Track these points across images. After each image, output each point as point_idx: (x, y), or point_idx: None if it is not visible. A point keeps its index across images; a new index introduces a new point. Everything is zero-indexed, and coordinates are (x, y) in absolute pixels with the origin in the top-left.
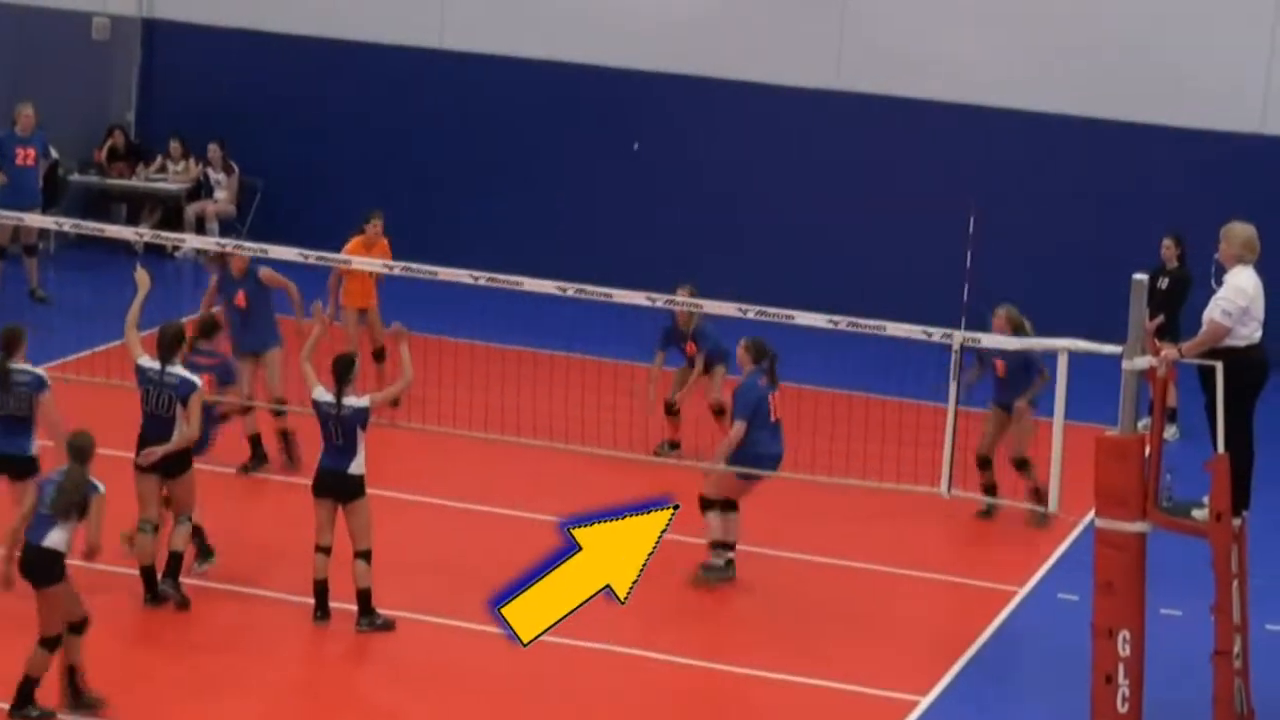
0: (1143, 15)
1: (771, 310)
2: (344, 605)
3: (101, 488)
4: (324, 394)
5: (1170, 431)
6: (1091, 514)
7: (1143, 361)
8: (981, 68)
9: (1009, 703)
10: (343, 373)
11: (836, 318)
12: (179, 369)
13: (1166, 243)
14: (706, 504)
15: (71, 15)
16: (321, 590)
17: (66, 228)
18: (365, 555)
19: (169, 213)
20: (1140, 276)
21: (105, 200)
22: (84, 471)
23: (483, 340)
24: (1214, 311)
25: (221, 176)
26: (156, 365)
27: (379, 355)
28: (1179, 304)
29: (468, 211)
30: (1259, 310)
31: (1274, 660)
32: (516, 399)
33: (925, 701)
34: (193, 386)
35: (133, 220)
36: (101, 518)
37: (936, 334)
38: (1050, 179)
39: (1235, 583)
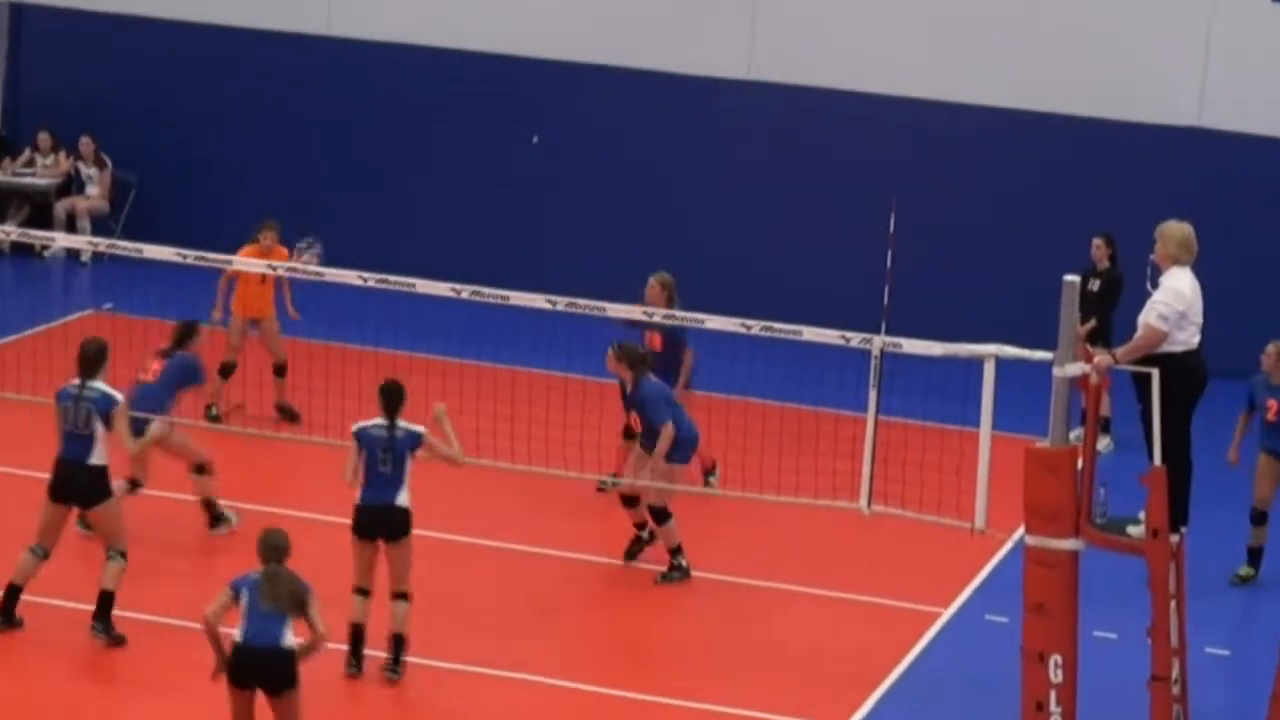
0: (1072, 1)
1: (680, 314)
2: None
3: (312, 589)
4: (371, 421)
5: (1104, 443)
6: (1021, 531)
7: (1075, 368)
8: (899, 56)
9: None
10: (393, 401)
11: (749, 322)
12: (99, 384)
13: (1097, 242)
14: (661, 514)
15: None
16: (357, 637)
17: None
18: (404, 596)
19: (37, 210)
20: (1072, 278)
21: None
22: (287, 570)
23: (374, 346)
24: (1150, 315)
25: (94, 171)
26: (75, 383)
27: (279, 370)
28: (1111, 307)
29: (357, 208)
30: (1197, 314)
31: (1214, 685)
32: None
33: None
34: (113, 401)
35: None
36: (320, 611)
37: (855, 339)
38: (975, 174)
39: (1173, 604)
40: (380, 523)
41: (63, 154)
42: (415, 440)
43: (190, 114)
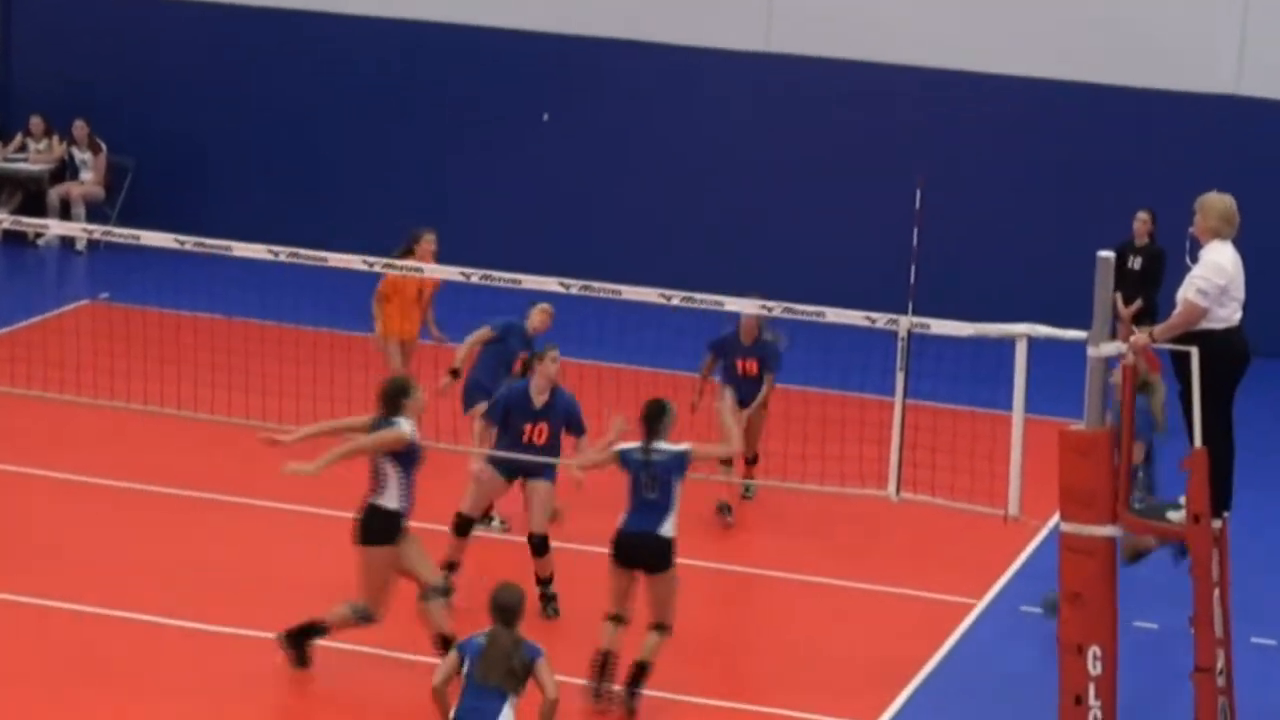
0: None
1: (698, 296)
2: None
3: (542, 651)
4: (632, 444)
5: None
6: (1056, 517)
7: (1110, 348)
8: (924, 26)
9: None
10: (654, 420)
11: (770, 303)
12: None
13: (1142, 216)
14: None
15: None
16: (604, 665)
17: None
18: (662, 628)
19: (30, 197)
20: (1106, 253)
21: None
22: (512, 634)
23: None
24: (1189, 291)
25: (88, 156)
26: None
27: None
28: (1156, 285)
29: (361, 190)
30: (1238, 290)
31: (1260, 677)
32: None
33: None
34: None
35: None
36: (552, 678)
37: (881, 320)
38: (1005, 148)
39: (1216, 592)
40: (638, 551)
41: (56, 139)
42: (679, 463)
43: (188, 95)
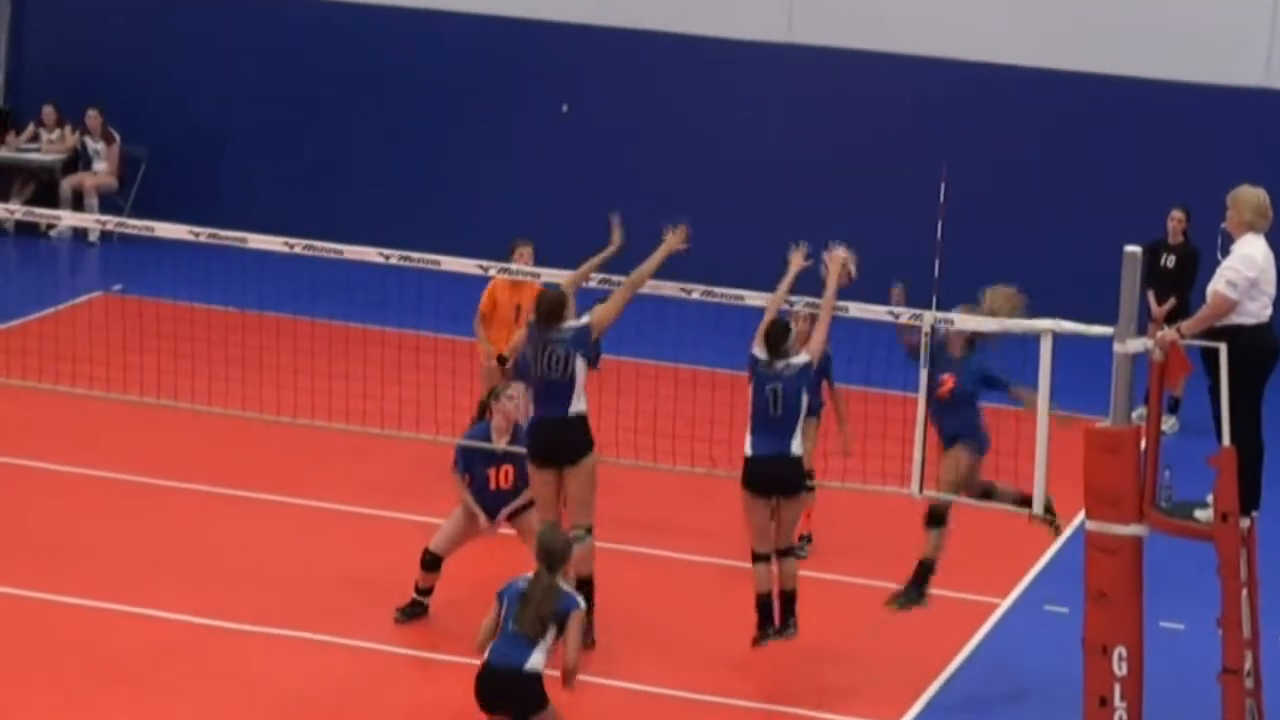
0: None
1: (718, 290)
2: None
3: (580, 602)
4: (759, 352)
5: (1169, 423)
6: (1081, 516)
7: (1136, 344)
8: (947, 17)
9: None
10: (779, 339)
11: (792, 298)
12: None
13: (1176, 215)
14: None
15: None
16: (765, 607)
17: None
18: (794, 552)
19: (42, 187)
20: (1133, 248)
21: None
22: (554, 579)
23: (396, 327)
24: (1218, 283)
25: (101, 146)
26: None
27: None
28: (1190, 284)
29: (379, 181)
30: (1270, 284)
31: None
32: (441, 393)
33: None
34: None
35: (2, 197)
36: (580, 635)
37: (905, 315)
38: (1032, 141)
39: (1244, 592)
40: (772, 477)
41: (68, 128)
42: (805, 376)
43: (202, 85)
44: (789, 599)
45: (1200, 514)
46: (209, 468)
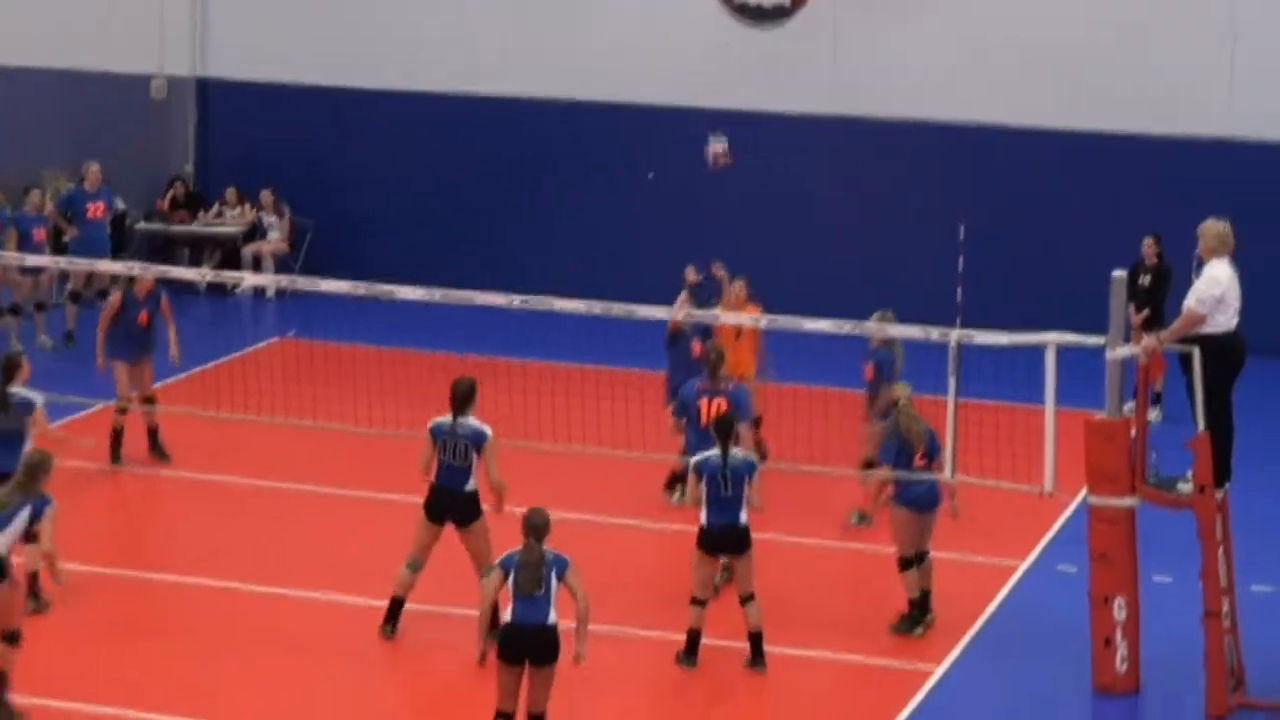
0: (1110, 28)
1: (782, 319)
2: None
3: (569, 561)
4: (709, 452)
5: (1154, 414)
6: (1084, 492)
7: (1124, 351)
8: (961, 88)
9: (1018, 667)
10: (724, 432)
11: (842, 322)
12: (471, 421)
13: (1147, 241)
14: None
15: (131, 78)
16: (696, 639)
17: (136, 271)
18: (752, 598)
19: (227, 254)
20: (1119, 273)
21: (169, 245)
22: (540, 548)
23: (519, 358)
24: (1190, 300)
25: (274, 219)
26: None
27: (755, 422)
28: (1162, 297)
29: (496, 242)
30: (1234, 298)
31: (1260, 619)
32: (585, 412)
33: (940, 669)
34: (483, 436)
35: (195, 262)
36: (579, 580)
37: (934, 333)
38: (1034, 188)
39: (1220, 549)
40: (727, 541)
41: (247, 205)
42: (750, 468)
43: (356, 166)
44: (757, 640)
45: (1182, 487)
46: (369, 477)
